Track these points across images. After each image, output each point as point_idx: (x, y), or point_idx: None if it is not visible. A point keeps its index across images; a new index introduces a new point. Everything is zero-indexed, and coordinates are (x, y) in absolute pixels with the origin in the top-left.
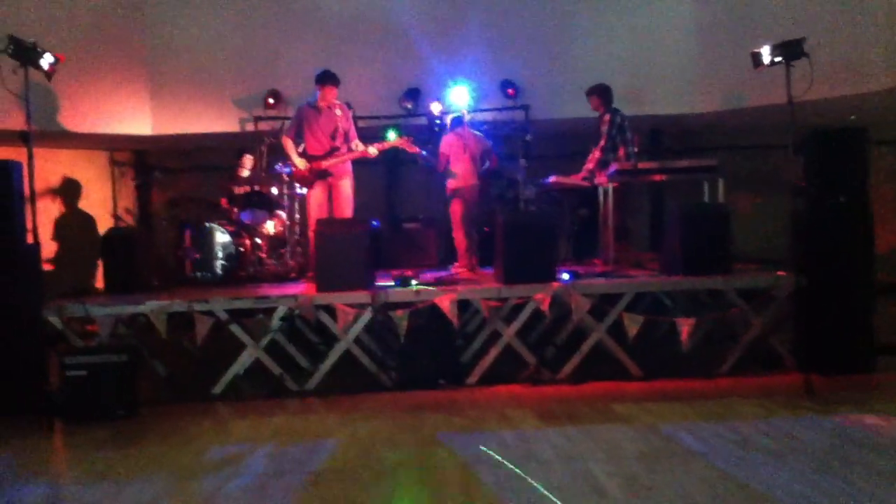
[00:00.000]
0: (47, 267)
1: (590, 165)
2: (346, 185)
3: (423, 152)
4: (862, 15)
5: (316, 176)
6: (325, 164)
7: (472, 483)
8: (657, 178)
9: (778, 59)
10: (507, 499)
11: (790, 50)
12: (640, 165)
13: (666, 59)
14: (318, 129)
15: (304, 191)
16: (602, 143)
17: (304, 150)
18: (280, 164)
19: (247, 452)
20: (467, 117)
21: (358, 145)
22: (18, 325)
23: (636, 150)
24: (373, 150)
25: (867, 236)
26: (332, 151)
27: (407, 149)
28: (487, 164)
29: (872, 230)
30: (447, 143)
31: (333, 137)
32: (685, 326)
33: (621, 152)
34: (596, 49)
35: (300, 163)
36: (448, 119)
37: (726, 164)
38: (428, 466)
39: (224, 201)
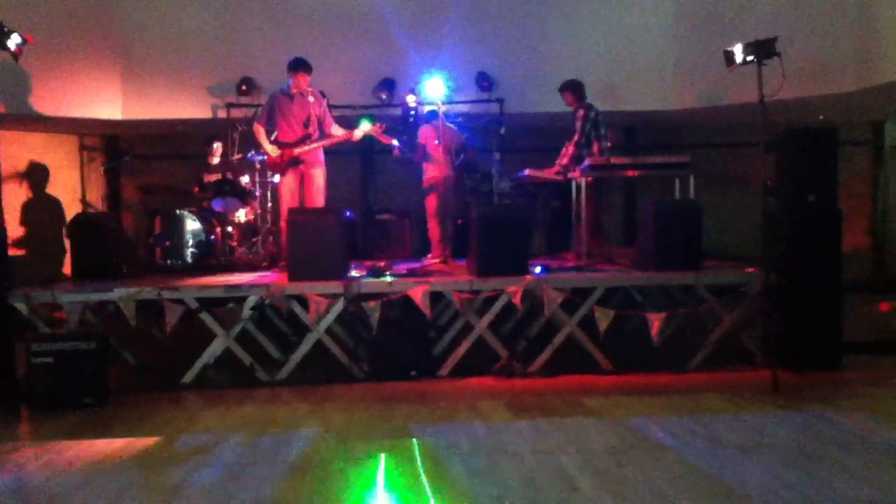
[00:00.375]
0: (14, 252)
1: (564, 161)
2: (319, 175)
3: (395, 142)
4: (834, 16)
5: (288, 163)
6: (297, 151)
7: (444, 475)
8: (630, 173)
9: (750, 57)
10: (479, 491)
11: (762, 49)
12: (613, 160)
13: (642, 56)
14: (290, 116)
15: (277, 179)
16: (576, 138)
17: (276, 137)
18: (253, 151)
19: (217, 442)
20: (442, 109)
21: (337, 130)
22: None
23: (609, 145)
24: (358, 133)
25: (835, 235)
26: (305, 139)
27: (381, 140)
28: (462, 156)
29: (841, 229)
30: (423, 134)
31: (306, 125)
32: (655, 321)
33: (595, 148)
34: (572, 44)
35: (272, 150)
36: (423, 111)
37: (700, 162)
38: (400, 458)
39: (195, 189)
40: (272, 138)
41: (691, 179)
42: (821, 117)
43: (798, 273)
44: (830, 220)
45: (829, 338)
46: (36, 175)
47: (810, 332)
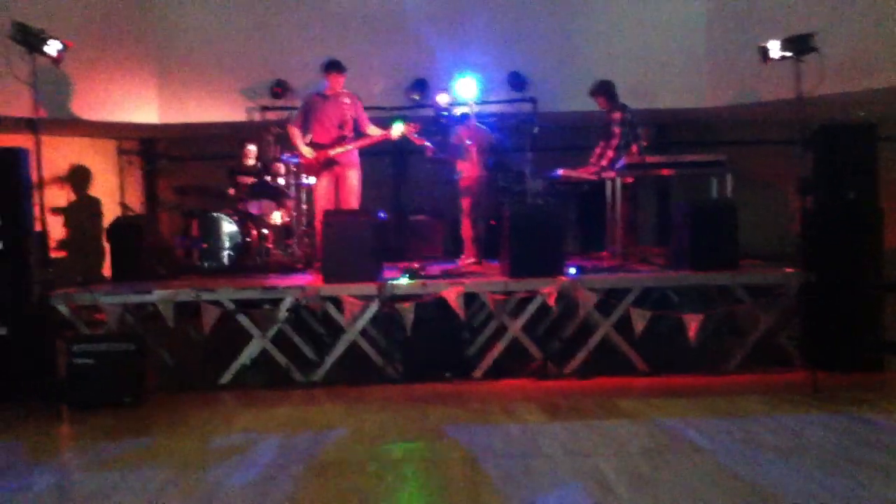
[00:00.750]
0: (55, 255)
1: (604, 163)
2: (353, 176)
3: (427, 143)
4: (871, 10)
5: (323, 165)
6: (332, 152)
7: (478, 476)
8: (665, 172)
9: (787, 53)
10: (513, 493)
11: (799, 45)
12: (648, 159)
13: (675, 53)
14: (325, 118)
15: (312, 181)
16: (614, 142)
17: (311, 139)
18: (287, 153)
19: (252, 442)
20: (474, 109)
21: (374, 130)
22: (26, 313)
23: (645, 144)
24: (395, 133)
25: (876, 233)
26: (340, 140)
27: (414, 141)
28: (494, 156)
29: (882, 227)
30: (456, 134)
31: (341, 126)
32: (693, 322)
33: (634, 149)
34: (604, 42)
35: (307, 152)
36: (456, 112)
37: (735, 160)
38: (433, 459)
39: (232, 191)
40: (307, 140)
41: (728, 178)
42: (861, 113)
43: (837, 272)
44: (871, 218)
45: (870, 338)
46: (76, 178)
47: (850, 333)
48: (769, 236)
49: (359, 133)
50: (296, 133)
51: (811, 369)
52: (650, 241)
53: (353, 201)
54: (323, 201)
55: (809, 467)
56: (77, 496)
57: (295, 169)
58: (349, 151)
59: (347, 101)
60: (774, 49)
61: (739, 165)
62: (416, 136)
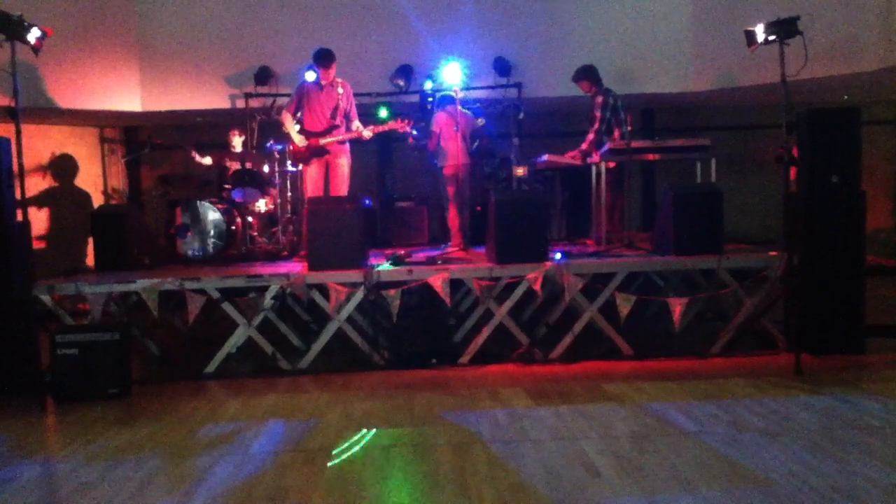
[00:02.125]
0: (38, 245)
1: (584, 146)
2: (343, 164)
3: (414, 131)
4: None
5: (313, 153)
6: (322, 141)
7: (466, 462)
8: (650, 157)
9: (772, 37)
10: (501, 477)
11: (784, 28)
12: (633, 144)
13: (660, 38)
14: (318, 107)
15: (295, 169)
16: (596, 125)
17: (302, 126)
18: (272, 141)
19: (240, 431)
20: (459, 95)
21: (358, 126)
22: (9, 304)
23: (630, 129)
24: (367, 133)
25: (859, 217)
26: (332, 129)
27: (398, 129)
28: (478, 142)
29: (864, 211)
30: (438, 121)
31: (333, 116)
32: (677, 306)
33: (616, 133)
34: (590, 27)
35: (299, 139)
36: (438, 97)
37: (720, 144)
38: (421, 445)
39: (208, 162)
40: (298, 128)
41: (713, 163)
42: (845, 97)
43: (820, 256)
44: (854, 202)
45: (853, 321)
46: (59, 168)
47: (833, 316)
48: (753, 220)
49: (348, 125)
50: (288, 119)
51: (795, 352)
52: (636, 226)
53: (342, 188)
54: (312, 188)
55: (795, 448)
56: (63, 488)
57: (278, 157)
58: (338, 141)
59: (341, 90)
60: (760, 33)
61: (724, 150)
62: (404, 125)
